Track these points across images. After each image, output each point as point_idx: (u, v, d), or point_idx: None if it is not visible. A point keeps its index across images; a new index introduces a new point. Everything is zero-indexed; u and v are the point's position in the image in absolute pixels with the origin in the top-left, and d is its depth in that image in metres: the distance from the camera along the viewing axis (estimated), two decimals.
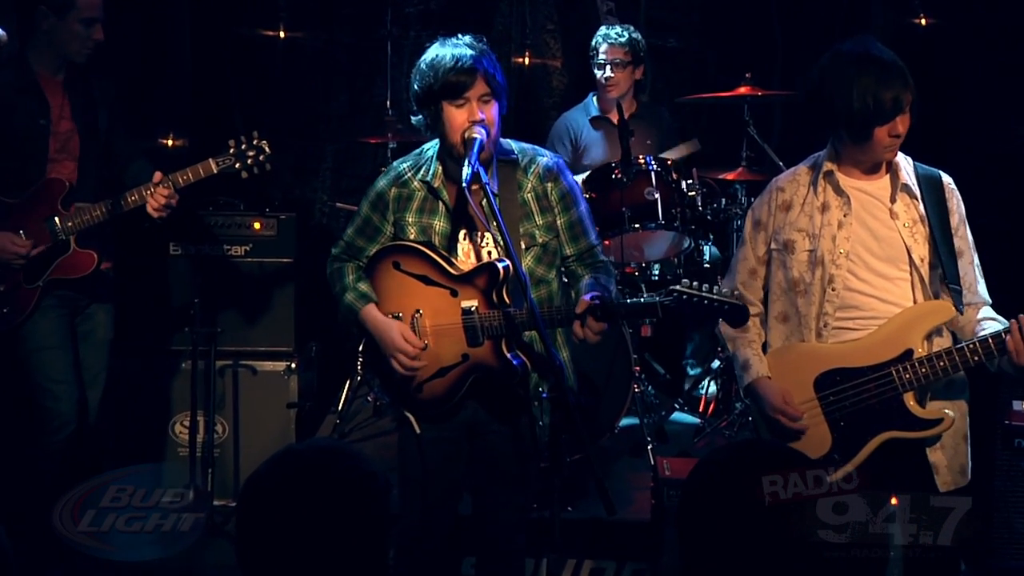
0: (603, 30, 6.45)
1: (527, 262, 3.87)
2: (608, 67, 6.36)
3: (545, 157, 3.96)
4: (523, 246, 3.87)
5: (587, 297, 3.65)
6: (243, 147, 4.66)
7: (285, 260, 5.85)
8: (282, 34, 7.34)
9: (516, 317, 3.74)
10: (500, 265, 3.77)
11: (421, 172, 3.94)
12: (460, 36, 3.83)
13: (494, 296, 3.77)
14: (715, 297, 3.56)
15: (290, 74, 7.39)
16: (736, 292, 3.63)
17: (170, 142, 6.86)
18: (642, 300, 3.66)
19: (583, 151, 6.53)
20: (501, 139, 3.94)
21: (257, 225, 5.84)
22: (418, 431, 3.92)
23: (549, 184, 3.91)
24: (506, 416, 3.95)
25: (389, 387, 4.01)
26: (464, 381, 3.84)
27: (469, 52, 3.75)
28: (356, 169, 7.49)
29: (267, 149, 4.67)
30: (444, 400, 3.88)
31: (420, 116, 3.87)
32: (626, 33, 6.38)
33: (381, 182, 4.00)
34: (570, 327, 3.70)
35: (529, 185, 3.90)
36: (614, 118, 6.23)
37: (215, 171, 4.66)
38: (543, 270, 3.92)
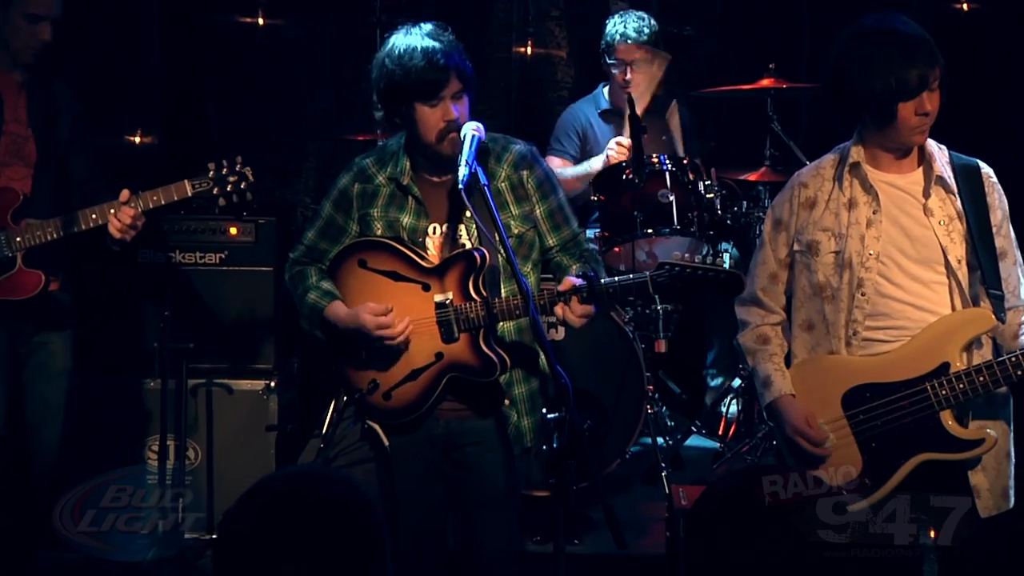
0: (618, 24, 6.37)
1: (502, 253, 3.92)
2: (627, 68, 6.35)
3: (518, 144, 4.05)
4: (497, 238, 3.91)
5: (571, 277, 3.74)
6: (224, 171, 4.61)
7: (264, 268, 5.88)
8: (261, 21, 7.35)
9: (494, 306, 3.81)
10: (476, 253, 3.85)
11: (388, 168, 4.01)
12: (422, 25, 3.89)
13: (470, 286, 3.85)
14: (708, 267, 3.63)
15: (270, 65, 7.40)
16: (727, 264, 3.68)
17: (138, 139, 6.89)
18: (631, 277, 3.71)
19: (592, 147, 6.53)
20: None
21: (233, 230, 5.86)
22: (386, 443, 3.97)
23: (524, 172, 3.99)
24: (484, 425, 4.00)
25: (352, 395, 4.05)
26: (439, 382, 3.90)
27: (439, 46, 3.81)
28: (342, 169, 7.48)
29: (250, 177, 4.64)
30: (416, 406, 3.93)
31: (383, 112, 3.95)
32: (646, 28, 6.32)
33: (343, 179, 4.08)
34: (552, 312, 3.76)
35: (503, 174, 3.98)
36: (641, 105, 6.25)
37: (190, 195, 4.62)
38: (519, 262, 3.94)
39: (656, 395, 6.08)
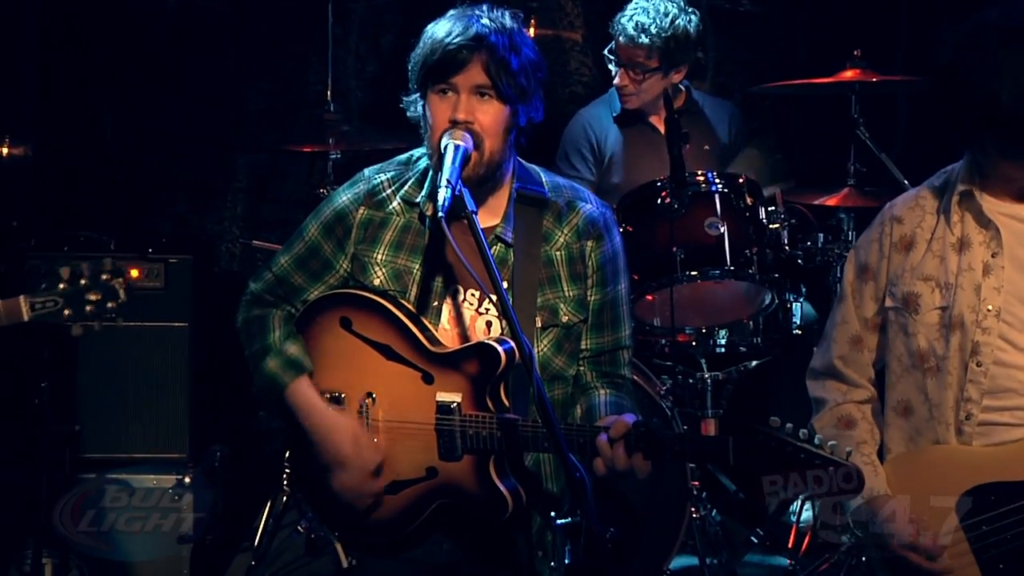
0: (626, 14, 6.48)
1: (541, 348, 3.97)
2: (618, 73, 6.52)
3: (589, 204, 4.09)
4: (538, 323, 3.96)
5: (628, 418, 3.69)
6: (82, 280, 4.17)
7: (176, 324, 5.95)
8: None
9: (521, 430, 3.77)
10: (502, 349, 3.81)
11: (406, 189, 4.04)
12: (492, 7, 3.94)
13: (487, 393, 3.82)
14: (816, 451, 3.51)
15: (184, 52, 7.46)
16: (848, 451, 3.55)
17: (6, 150, 6.90)
18: (706, 436, 3.67)
19: (610, 164, 6.64)
20: (525, 164, 4.08)
21: (135, 272, 5.84)
22: (345, 566, 3.99)
23: (589, 243, 4.03)
24: (497, 559, 4.00)
25: (313, 499, 4.08)
26: (425, 506, 3.89)
27: (476, 27, 3.87)
28: (281, 190, 7.57)
29: (122, 294, 4.21)
30: (392, 528, 3.93)
31: (415, 110, 4.00)
32: (654, 27, 6.37)
33: (345, 196, 4.09)
34: (589, 457, 3.70)
35: (561, 239, 4.02)
36: (656, 120, 6.30)
37: (26, 318, 4.18)
38: (562, 362, 4.02)
39: (703, 494, 6.08)
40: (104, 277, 4.16)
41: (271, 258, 4.21)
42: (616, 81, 6.52)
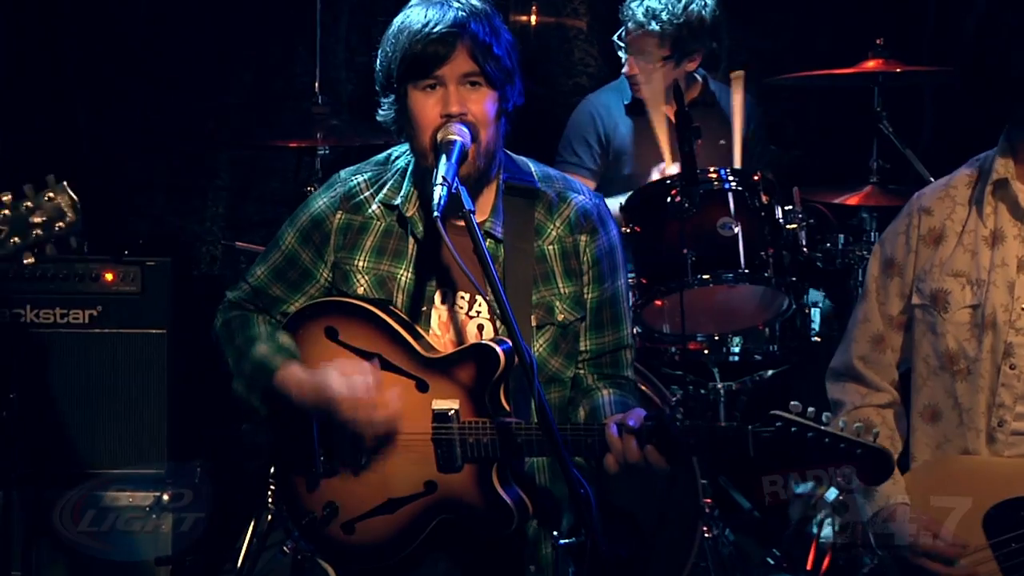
0: None
1: (537, 348, 3.94)
2: (627, 61, 6.48)
3: (581, 196, 4.05)
4: (533, 323, 3.93)
5: (638, 411, 3.65)
6: (26, 204, 3.76)
7: (155, 331, 5.92)
8: None
9: (521, 434, 3.74)
10: (500, 349, 3.78)
11: (385, 191, 4.01)
12: None
13: (486, 398, 3.79)
14: (842, 435, 3.46)
15: (163, 42, 7.45)
16: (875, 431, 3.49)
17: None
18: (723, 426, 3.65)
19: (617, 156, 6.61)
20: (512, 155, 4.05)
21: (109, 276, 5.87)
22: None
23: (583, 237, 4.01)
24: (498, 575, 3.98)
25: (299, 519, 4.02)
26: (425, 523, 3.86)
27: (452, 13, 3.82)
28: (266, 189, 7.56)
29: (69, 212, 3.76)
30: (390, 550, 3.90)
31: (388, 111, 3.95)
32: (666, 13, 6.32)
33: (321, 200, 4.06)
34: (599, 455, 3.67)
35: (553, 233, 3.99)
36: (669, 111, 6.28)
37: None
38: (559, 363, 3.99)
39: (716, 512, 6.06)
40: (49, 196, 3.74)
41: (249, 266, 4.16)
42: (625, 70, 6.49)
